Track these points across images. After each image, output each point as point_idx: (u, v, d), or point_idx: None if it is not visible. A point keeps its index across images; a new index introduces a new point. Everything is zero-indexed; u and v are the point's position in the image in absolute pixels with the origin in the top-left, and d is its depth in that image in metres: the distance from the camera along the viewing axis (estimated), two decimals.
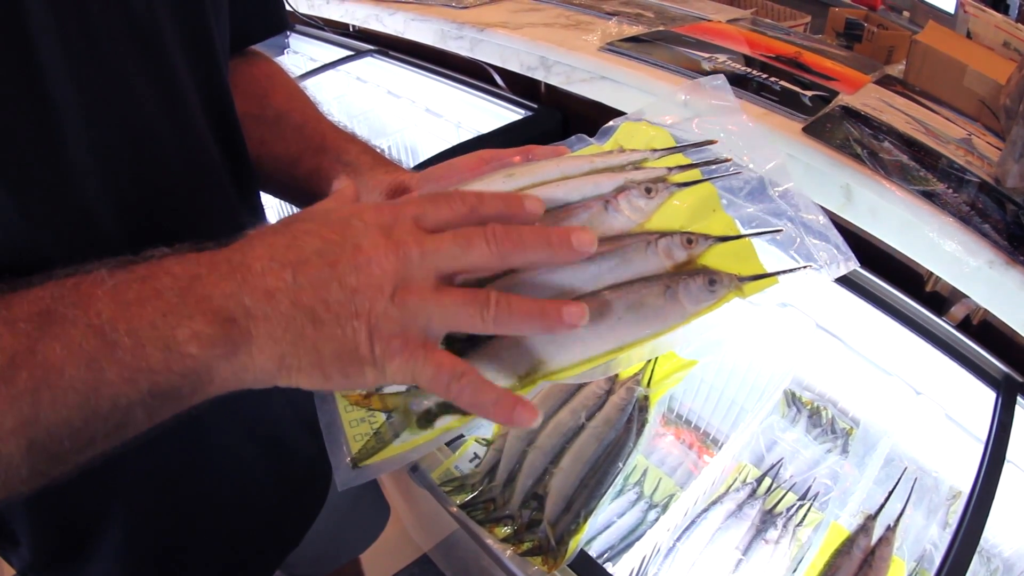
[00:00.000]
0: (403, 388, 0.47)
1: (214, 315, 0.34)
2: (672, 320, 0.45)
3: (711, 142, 0.53)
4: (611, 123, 0.59)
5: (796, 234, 0.50)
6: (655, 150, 0.53)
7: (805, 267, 0.48)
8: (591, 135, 0.59)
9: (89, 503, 0.56)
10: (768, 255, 0.48)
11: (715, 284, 0.45)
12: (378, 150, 0.65)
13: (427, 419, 0.46)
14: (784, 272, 0.47)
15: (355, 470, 0.46)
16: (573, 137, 0.59)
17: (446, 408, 0.45)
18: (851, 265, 0.49)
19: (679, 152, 0.53)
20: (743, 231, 0.49)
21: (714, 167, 0.51)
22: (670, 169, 0.51)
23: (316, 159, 0.63)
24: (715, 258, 0.47)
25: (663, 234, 0.47)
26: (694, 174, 0.51)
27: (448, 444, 0.82)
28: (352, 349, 0.36)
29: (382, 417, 0.47)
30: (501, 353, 0.44)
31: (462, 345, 0.45)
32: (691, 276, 0.45)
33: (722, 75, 0.59)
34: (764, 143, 0.54)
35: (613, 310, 0.45)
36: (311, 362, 0.36)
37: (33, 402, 0.31)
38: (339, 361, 0.36)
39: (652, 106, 0.59)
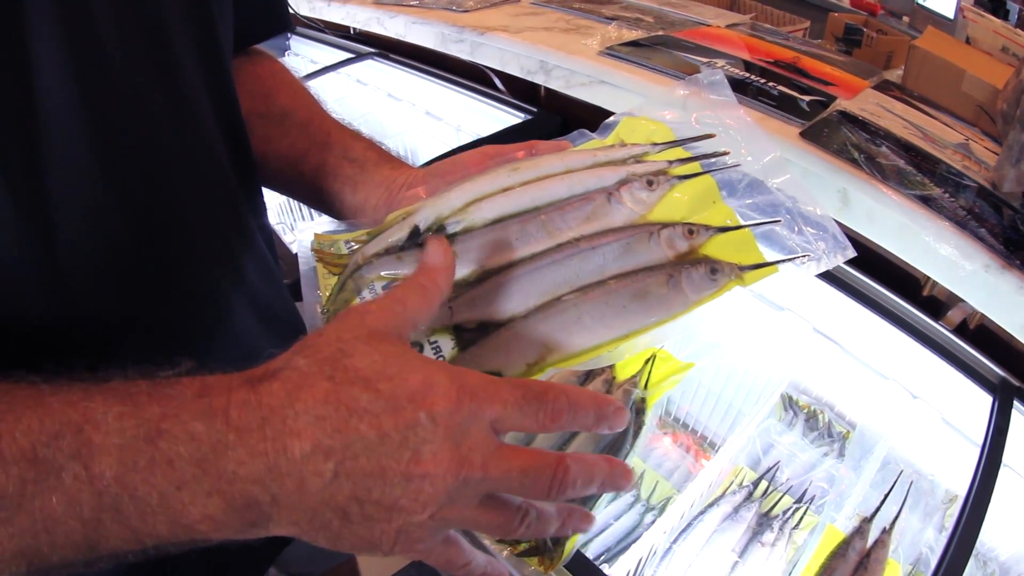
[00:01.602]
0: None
1: (234, 498, 0.32)
2: (676, 308, 0.46)
3: (710, 136, 0.54)
4: (612, 118, 0.60)
5: (794, 224, 0.51)
6: (655, 144, 0.55)
7: (804, 256, 0.49)
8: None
9: None
10: (767, 245, 0.50)
11: (717, 273, 0.46)
12: (383, 147, 0.65)
13: None
14: (784, 261, 0.48)
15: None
16: (575, 132, 0.61)
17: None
18: (848, 254, 0.50)
19: (679, 146, 0.54)
20: (743, 222, 0.50)
21: (713, 160, 0.53)
22: (670, 162, 0.52)
23: (321, 156, 0.63)
24: (716, 248, 0.49)
25: (665, 225, 0.49)
26: (694, 167, 0.52)
27: None
28: (373, 544, 0.34)
29: None
30: (511, 342, 0.46)
31: (472, 334, 0.47)
32: (693, 265, 0.47)
33: (720, 71, 0.60)
34: (762, 137, 0.56)
35: (619, 299, 0.46)
36: (326, 540, 0.34)
37: (34, 542, 0.30)
38: (354, 548, 0.35)
39: (652, 102, 0.60)
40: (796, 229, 0.51)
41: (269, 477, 0.31)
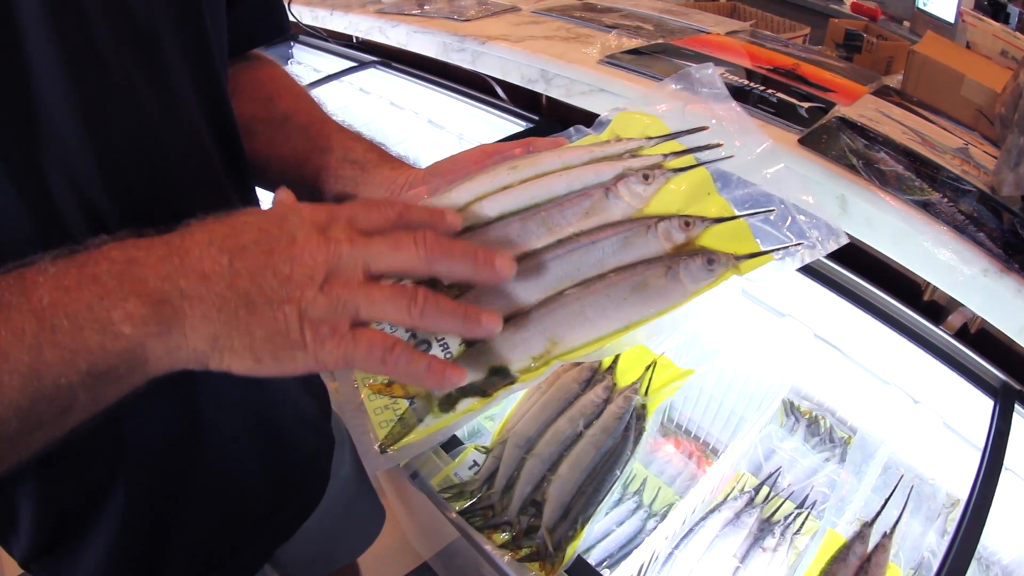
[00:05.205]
0: None
1: (148, 296, 0.36)
2: (674, 299, 0.47)
3: (703, 128, 0.55)
4: (606, 114, 0.61)
5: (788, 213, 0.52)
6: (650, 138, 0.56)
7: (798, 244, 0.50)
8: None
9: (90, 486, 0.57)
10: (762, 235, 0.51)
11: (713, 263, 0.47)
12: (384, 148, 0.66)
13: (448, 402, 0.47)
14: (779, 249, 0.49)
15: (383, 455, 0.47)
16: (571, 128, 0.62)
17: (465, 391, 0.47)
18: (841, 240, 0.51)
19: (673, 139, 0.55)
20: (737, 212, 0.51)
21: (707, 152, 0.54)
22: (665, 156, 0.53)
23: (323, 158, 0.64)
24: (712, 239, 0.50)
25: (662, 218, 0.50)
26: (688, 159, 0.53)
27: (448, 451, 0.83)
28: (283, 333, 0.37)
29: (405, 404, 0.48)
30: (516, 337, 0.47)
31: None
32: (691, 256, 0.48)
33: (711, 63, 0.61)
34: (753, 128, 0.57)
35: (619, 291, 0.47)
36: (243, 344, 0.38)
37: None
38: (270, 344, 0.38)
39: (645, 95, 0.61)
40: (789, 219, 0.52)
41: (175, 274, 0.37)
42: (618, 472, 0.80)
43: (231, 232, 0.39)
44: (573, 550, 0.72)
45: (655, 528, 0.79)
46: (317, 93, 1.59)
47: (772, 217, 0.52)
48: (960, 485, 0.86)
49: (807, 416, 1.01)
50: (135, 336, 0.36)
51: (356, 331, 0.38)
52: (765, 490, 0.91)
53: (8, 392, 0.33)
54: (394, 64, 1.66)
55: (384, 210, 0.42)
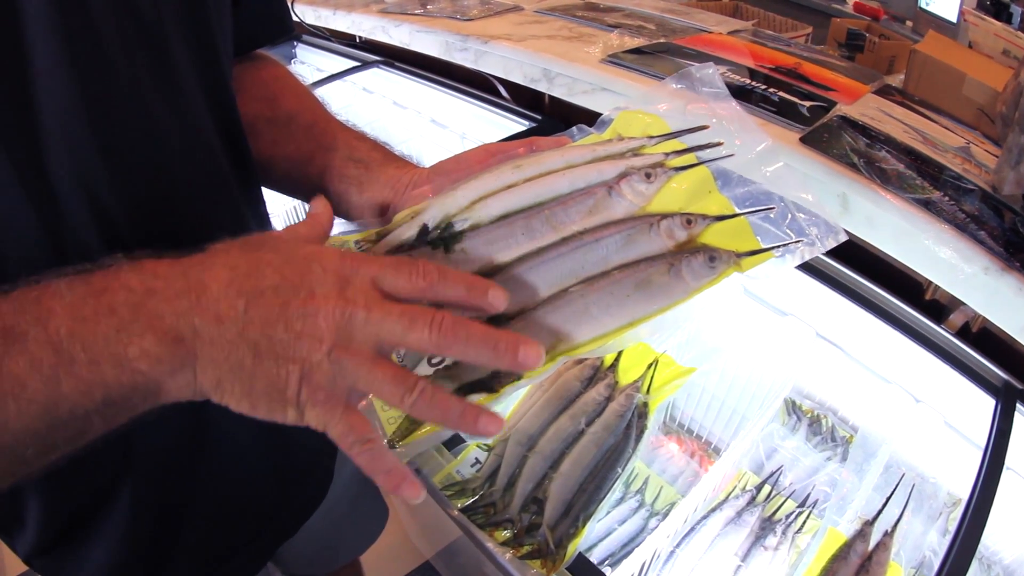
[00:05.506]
0: (430, 371, 0.48)
1: (164, 333, 0.36)
2: (676, 295, 0.48)
3: (703, 127, 0.55)
4: (607, 114, 0.61)
5: (788, 211, 0.53)
6: (652, 137, 0.56)
7: (798, 241, 0.51)
8: None
9: (98, 483, 0.57)
10: (762, 232, 0.51)
11: (715, 260, 0.48)
12: (388, 147, 0.66)
13: None
14: (779, 246, 0.50)
15: (392, 451, 0.47)
16: (574, 128, 0.62)
17: (473, 387, 0.47)
18: (840, 237, 0.51)
19: (674, 138, 0.56)
20: (738, 210, 0.52)
21: (708, 150, 0.54)
22: (667, 154, 0.54)
23: (327, 157, 0.64)
24: (714, 236, 0.50)
25: (664, 216, 0.51)
26: (689, 158, 0.54)
27: (450, 449, 0.83)
28: (281, 389, 0.38)
29: None
30: (521, 334, 0.46)
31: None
32: (693, 254, 0.48)
33: (711, 63, 0.61)
34: (753, 127, 0.57)
35: (623, 288, 0.48)
36: (242, 391, 0.38)
37: (1, 411, 0.33)
38: (267, 396, 0.38)
39: (646, 95, 0.61)
40: (789, 216, 0.52)
41: (191, 312, 0.37)
42: (620, 470, 0.80)
43: (252, 271, 0.38)
44: (574, 548, 0.72)
45: (657, 527, 0.79)
46: (320, 93, 1.59)
47: (772, 215, 0.52)
48: (961, 484, 0.86)
49: (809, 415, 1.01)
50: (150, 373, 0.36)
51: (347, 409, 0.39)
52: (767, 489, 0.91)
53: (26, 420, 0.34)
54: (397, 64, 1.66)
55: (415, 277, 0.40)
